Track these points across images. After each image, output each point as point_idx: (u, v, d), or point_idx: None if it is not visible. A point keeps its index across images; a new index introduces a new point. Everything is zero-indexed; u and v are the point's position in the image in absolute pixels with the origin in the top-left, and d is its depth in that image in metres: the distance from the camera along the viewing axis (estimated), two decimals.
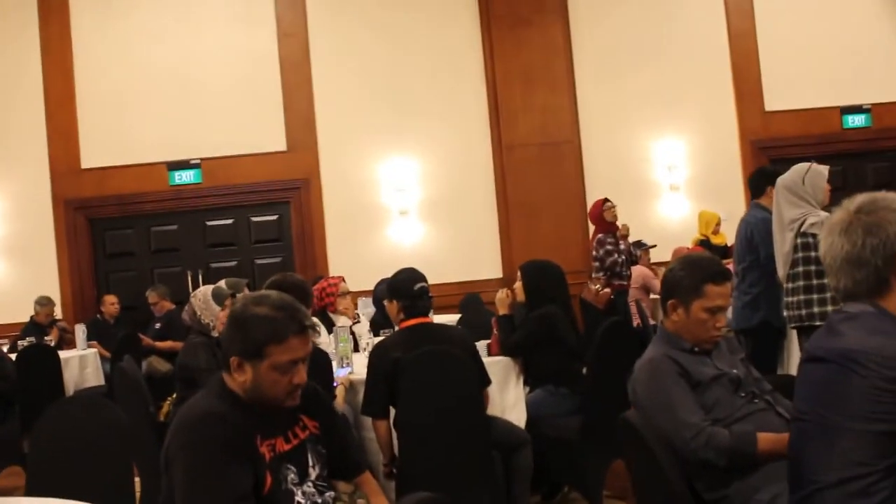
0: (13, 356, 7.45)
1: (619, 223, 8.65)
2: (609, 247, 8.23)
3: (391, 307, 4.56)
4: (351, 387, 4.70)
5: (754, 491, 2.79)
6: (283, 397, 2.44)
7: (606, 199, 8.49)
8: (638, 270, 8.76)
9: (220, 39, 10.74)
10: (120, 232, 10.86)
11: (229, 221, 10.94)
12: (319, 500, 2.49)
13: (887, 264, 2.18)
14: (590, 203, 9.89)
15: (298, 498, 2.44)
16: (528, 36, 10.45)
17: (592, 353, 4.93)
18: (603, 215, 8.42)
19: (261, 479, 2.35)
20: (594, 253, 8.36)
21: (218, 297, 4.75)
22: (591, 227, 8.87)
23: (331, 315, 6.00)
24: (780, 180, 5.38)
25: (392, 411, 4.26)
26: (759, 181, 6.12)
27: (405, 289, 4.46)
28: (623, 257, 8.34)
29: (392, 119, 10.65)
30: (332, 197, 10.71)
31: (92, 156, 10.66)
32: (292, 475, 2.47)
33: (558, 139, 10.42)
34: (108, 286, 10.67)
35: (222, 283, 5.05)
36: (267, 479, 2.37)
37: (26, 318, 9.70)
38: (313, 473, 2.52)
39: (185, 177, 10.71)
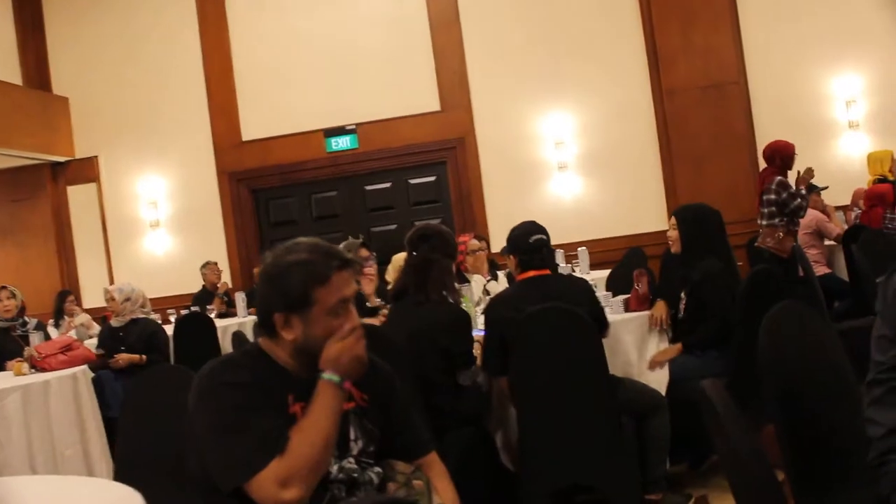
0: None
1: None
2: (793, 190, 7.04)
3: (510, 261, 4.30)
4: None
5: None
6: None
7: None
8: (811, 214, 7.93)
9: (369, 5, 10.64)
10: (282, 201, 11.00)
11: (387, 185, 10.88)
12: (360, 477, 2.24)
13: None
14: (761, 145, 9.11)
15: (333, 471, 2.18)
16: None
17: (738, 309, 4.46)
18: (789, 161, 7.15)
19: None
20: (773, 196, 6.97)
21: None
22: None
23: (464, 273, 5.76)
24: None
25: None
26: None
27: (521, 242, 4.17)
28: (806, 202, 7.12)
29: (546, 72, 10.26)
30: (489, 155, 10.46)
31: (252, 128, 10.84)
32: None
33: (722, 80, 9.76)
34: None
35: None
36: None
37: (198, 289, 10.02)
38: (355, 448, 2.25)
39: (342, 143, 10.72)
